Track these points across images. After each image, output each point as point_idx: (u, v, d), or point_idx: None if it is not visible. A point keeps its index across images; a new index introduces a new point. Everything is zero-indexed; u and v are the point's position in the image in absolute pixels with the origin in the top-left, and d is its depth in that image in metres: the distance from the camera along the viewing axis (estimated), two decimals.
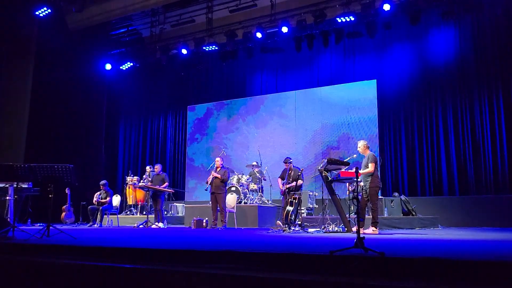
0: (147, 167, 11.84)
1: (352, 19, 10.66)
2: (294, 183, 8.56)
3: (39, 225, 9.74)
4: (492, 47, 10.36)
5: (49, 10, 11.88)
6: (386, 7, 10.18)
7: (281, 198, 9.39)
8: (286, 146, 12.56)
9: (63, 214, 11.65)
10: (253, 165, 11.32)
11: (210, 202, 9.49)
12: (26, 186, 9.34)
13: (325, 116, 12.11)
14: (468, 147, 10.35)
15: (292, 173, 8.75)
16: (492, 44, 10.37)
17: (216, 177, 9.18)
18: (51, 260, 4.29)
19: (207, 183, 9.37)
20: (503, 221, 9.09)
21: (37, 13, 11.87)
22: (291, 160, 9.03)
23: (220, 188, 9.17)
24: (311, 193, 10.32)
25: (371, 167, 7.18)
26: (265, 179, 11.19)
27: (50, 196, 5.96)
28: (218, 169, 9.32)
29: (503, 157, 9.84)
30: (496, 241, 5.35)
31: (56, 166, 5.93)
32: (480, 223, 9.35)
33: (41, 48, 12.53)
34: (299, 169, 8.80)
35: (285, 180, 8.79)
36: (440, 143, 10.73)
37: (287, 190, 8.63)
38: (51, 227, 5.86)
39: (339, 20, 10.78)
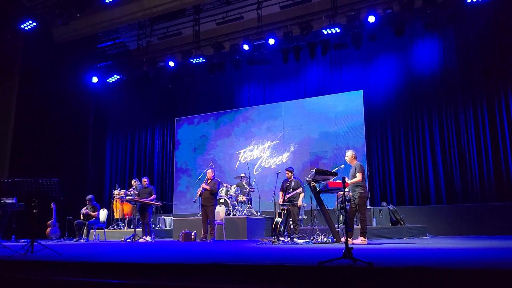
0: (133, 181, 11.71)
1: (338, 30, 10.79)
2: (293, 192, 8.46)
3: (24, 241, 9.55)
4: (475, 57, 10.55)
5: (35, 23, 11.80)
6: (371, 19, 10.33)
7: (271, 209, 9.35)
8: (274, 157, 12.58)
9: (49, 229, 11.45)
10: (241, 177, 11.29)
11: (200, 215, 9.42)
12: (10, 201, 9.19)
13: (313, 126, 12.17)
14: (454, 156, 10.47)
15: (293, 184, 8.63)
16: (474, 54, 10.56)
17: (206, 189, 9.12)
18: (36, 277, 4.20)
19: (197, 195, 9.33)
20: (490, 229, 9.17)
21: (22, 26, 11.77)
22: (293, 169, 8.92)
23: (209, 201, 9.10)
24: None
25: (359, 176, 7.20)
26: (253, 191, 11.15)
27: (34, 211, 5.85)
28: (209, 181, 9.26)
29: (489, 166, 9.96)
30: (483, 249, 5.38)
31: (40, 181, 5.83)
32: (468, 231, 9.42)
33: (26, 61, 12.42)
34: (299, 179, 8.75)
35: (285, 192, 8.62)
36: (427, 153, 10.83)
37: (287, 200, 8.46)
38: (35, 243, 5.74)
39: (325, 32, 10.90)
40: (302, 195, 8.62)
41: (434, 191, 10.63)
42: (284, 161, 12.36)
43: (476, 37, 10.57)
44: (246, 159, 12.52)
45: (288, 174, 8.76)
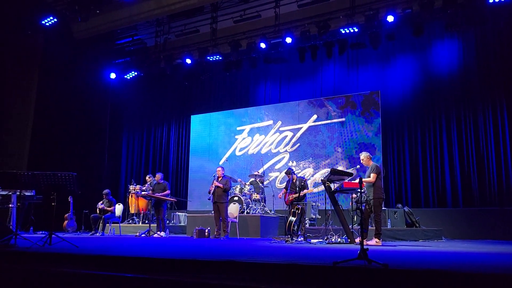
0: (147, 177, 11.83)
1: (356, 30, 10.72)
2: (300, 193, 8.45)
3: (41, 233, 9.73)
4: (495, 59, 10.38)
5: (55, 19, 12.00)
6: (390, 18, 10.24)
7: (285, 208, 9.36)
8: (289, 156, 12.55)
9: (65, 222, 11.64)
10: (255, 175, 11.30)
11: (213, 212, 9.48)
12: (29, 194, 9.36)
13: (329, 126, 12.10)
14: (472, 158, 10.31)
15: (298, 183, 8.64)
16: (495, 56, 10.39)
17: (218, 187, 9.16)
18: (53, 269, 4.28)
19: (209, 192, 9.35)
20: (507, 234, 9.03)
21: (43, 22, 11.99)
22: (293, 170, 8.97)
23: (222, 198, 9.14)
24: (314, 204, 10.28)
25: (372, 177, 7.17)
26: (267, 186, 11.16)
27: (53, 204, 5.96)
28: (219, 179, 9.30)
29: (508, 169, 9.79)
30: (500, 253, 5.30)
31: (59, 174, 5.93)
32: (484, 235, 9.28)
33: (46, 56, 12.64)
34: (304, 178, 8.74)
35: (288, 190, 8.68)
36: (444, 155, 10.69)
37: (294, 200, 8.45)
38: (53, 235, 5.85)
39: (343, 31, 10.84)
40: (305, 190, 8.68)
41: (450, 193, 10.49)
42: (299, 160, 12.33)
43: (497, 38, 10.39)
44: (261, 157, 12.51)
45: (289, 176, 8.80)
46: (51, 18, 11.96)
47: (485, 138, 10.21)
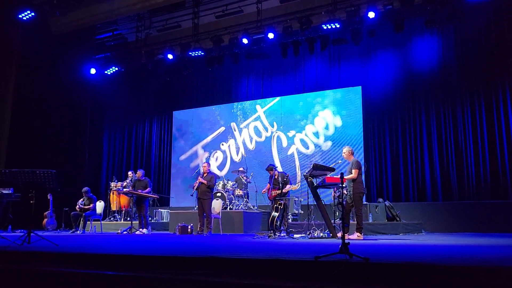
0: (129, 172, 11.70)
1: (338, 26, 10.77)
2: (283, 189, 8.46)
3: (20, 232, 9.54)
4: (473, 55, 10.57)
5: (33, 14, 11.73)
6: (371, 14, 10.31)
7: (268, 204, 9.38)
8: (271, 152, 12.57)
9: (45, 220, 11.43)
10: (238, 171, 11.30)
11: (196, 208, 9.43)
12: (7, 191, 9.18)
13: (311, 121, 12.17)
14: (451, 153, 10.51)
15: (279, 179, 8.66)
16: (473, 52, 10.58)
17: (202, 183, 9.12)
18: (32, 268, 4.20)
19: (193, 188, 9.30)
20: (485, 227, 9.23)
21: (20, 16, 11.71)
22: (275, 166, 8.95)
23: (206, 194, 9.10)
24: (296, 199, 10.32)
25: (354, 173, 7.24)
26: (250, 182, 11.17)
27: (31, 202, 5.84)
28: (204, 175, 9.26)
29: (485, 163, 10.01)
30: (478, 246, 5.42)
31: (38, 172, 5.81)
32: (463, 228, 9.47)
33: (24, 52, 12.34)
34: (286, 173, 8.77)
35: (271, 186, 8.67)
36: (424, 149, 10.87)
37: (277, 196, 8.45)
38: (32, 234, 5.74)
39: (325, 27, 10.88)
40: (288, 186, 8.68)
41: (430, 187, 10.68)
42: (281, 155, 12.37)
43: (476, 34, 10.58)
44: (243, 153, 12.51)
45: (270, 172, 8.74)
46: (29, 12, 11.69)
47: (464, 133, 10.41)
